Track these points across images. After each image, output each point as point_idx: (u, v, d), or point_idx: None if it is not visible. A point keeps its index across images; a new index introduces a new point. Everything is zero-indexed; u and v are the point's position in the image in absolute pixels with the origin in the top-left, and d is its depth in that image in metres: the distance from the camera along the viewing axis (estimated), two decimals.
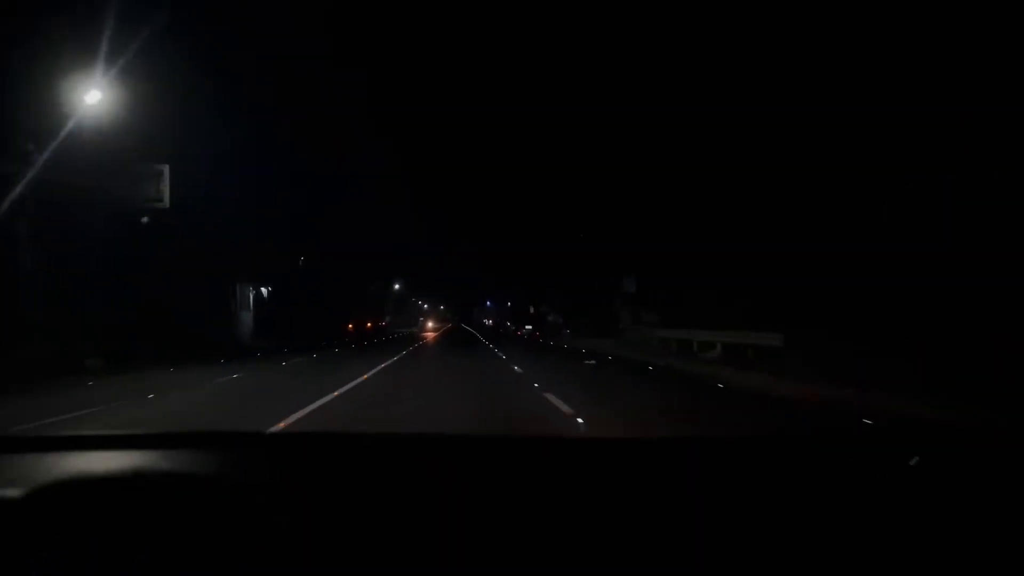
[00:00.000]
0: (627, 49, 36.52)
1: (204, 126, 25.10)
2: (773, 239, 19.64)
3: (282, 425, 7.35)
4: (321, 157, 50.11)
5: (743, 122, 21.13)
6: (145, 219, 21.01)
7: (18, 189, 15.59)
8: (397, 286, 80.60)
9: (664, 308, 26.96)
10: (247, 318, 36.24)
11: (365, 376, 13.66)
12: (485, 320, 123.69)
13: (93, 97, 16.94)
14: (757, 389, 11.57)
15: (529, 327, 58.48)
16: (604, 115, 37.56)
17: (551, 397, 9.82)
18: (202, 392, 11.60)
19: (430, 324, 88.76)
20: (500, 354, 22.52)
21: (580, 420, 7.76)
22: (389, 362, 18.55)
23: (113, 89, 17.54)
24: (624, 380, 13.98)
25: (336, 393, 10.65)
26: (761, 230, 20.79)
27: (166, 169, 20.72)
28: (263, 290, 37.60)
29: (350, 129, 66.67)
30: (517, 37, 73.18)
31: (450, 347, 31.66)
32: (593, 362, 18.25)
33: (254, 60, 37.69)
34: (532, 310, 74.55)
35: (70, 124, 16.32)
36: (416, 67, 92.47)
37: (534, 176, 77.74)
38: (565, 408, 8.72)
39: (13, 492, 1.00)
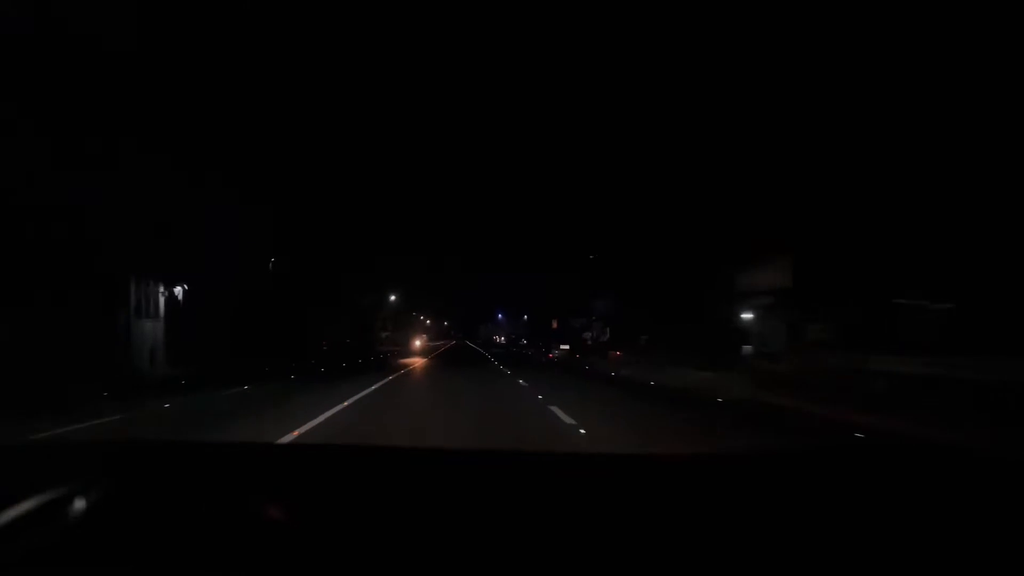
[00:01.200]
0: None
1: None
2: None
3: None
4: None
5: None
6: None
7: None
8: (393, 297, 68.36)
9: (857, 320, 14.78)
10: (152, 332, 23.82)
11: None
12: (495, 337, 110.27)
13: None
14: None
15: (566, 347, 44.91)
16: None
17: None
18: None
19: (418, 343, 69.10)
20: (571, 422, 10.06)
21: None
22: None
23: None
24: None
25: None
26: None
27: None
28: (177, 290, 25.11)
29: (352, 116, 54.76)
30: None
31: (447, 386, 19.03)
32: None
33: None
34: (555, 324, 62.26)
35: None
36: (427, 52, 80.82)
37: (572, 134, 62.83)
38: None
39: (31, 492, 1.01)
